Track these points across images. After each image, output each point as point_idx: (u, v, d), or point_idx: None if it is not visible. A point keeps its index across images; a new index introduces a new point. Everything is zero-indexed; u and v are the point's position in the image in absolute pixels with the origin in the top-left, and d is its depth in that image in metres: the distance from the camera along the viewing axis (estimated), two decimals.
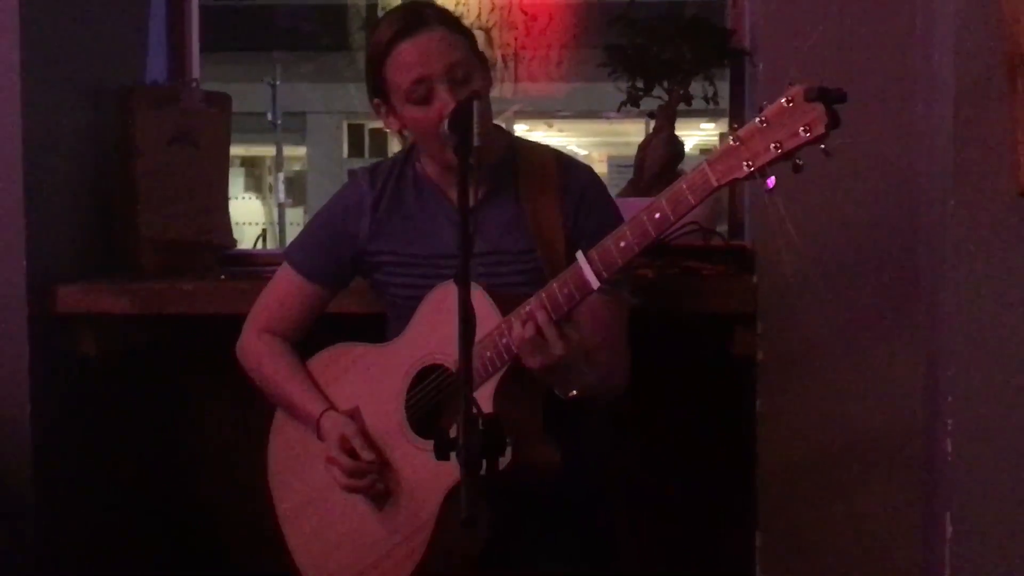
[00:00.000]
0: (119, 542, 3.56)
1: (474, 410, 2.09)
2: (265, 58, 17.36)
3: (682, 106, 3.57)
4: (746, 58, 3.59)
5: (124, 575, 3.53)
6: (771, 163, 2.18)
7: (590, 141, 23.49)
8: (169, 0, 4.01)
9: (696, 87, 3.58)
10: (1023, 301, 2.46)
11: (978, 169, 2.44)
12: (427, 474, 2.55)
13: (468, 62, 2.61)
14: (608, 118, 19.75)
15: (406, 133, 2.74)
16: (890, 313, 2.92)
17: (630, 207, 3.20)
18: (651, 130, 3.61)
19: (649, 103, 3.60)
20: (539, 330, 2.38)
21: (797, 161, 2.17)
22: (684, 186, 2.26)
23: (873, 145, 2.87)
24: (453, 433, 2.11)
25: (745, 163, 2.19)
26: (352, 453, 2.64)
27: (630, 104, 3.57)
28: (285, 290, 2.84)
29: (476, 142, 2.39)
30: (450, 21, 2.64)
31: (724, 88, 3.75)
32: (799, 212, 2.88)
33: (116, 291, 3.30)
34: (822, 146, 2.15)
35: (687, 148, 3.65)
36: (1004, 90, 2.40)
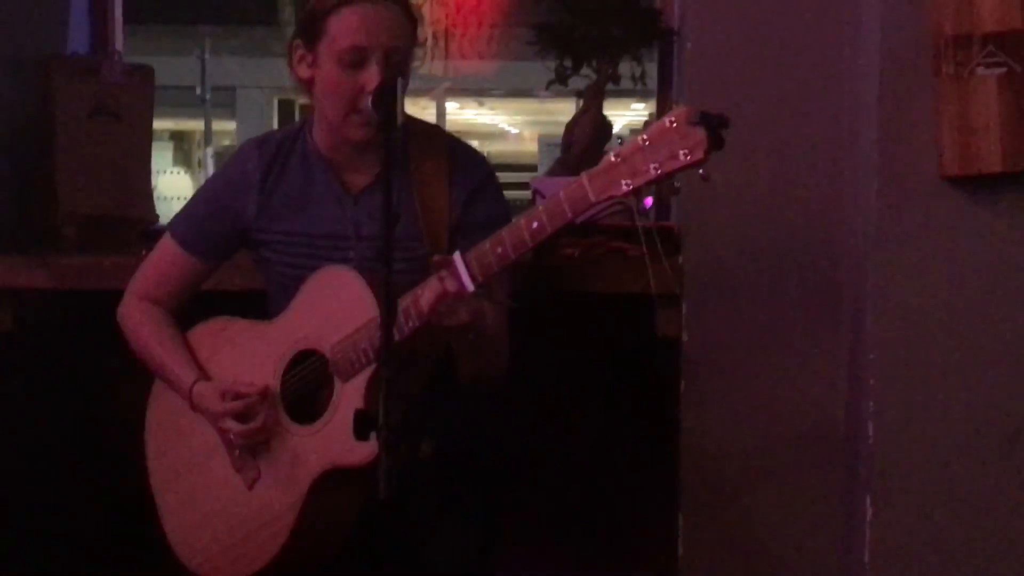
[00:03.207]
0: (36, 518, 3.50)
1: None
2: (195, 32, 17.18)
3: (611, 86, 3.57)
4: (674, 38, 3.59)
5: (41, 551, 3.48)
6: (649, 183, 2.18)
7: (521, 120, 23.51)
8: None
9: (624, 67, 3.58)
10: (946, 284, 2.48)
11: (902, 152, 2.45)
12: (299, 457, 2.56)
13: (407, 51, 2.59)
14: (539, 96, 19.80)
15: (308, 87, 2.65)
16: (815, 299, 2.92)
17: (556, 185, 3.21)
18: (579, 109, 3.59)
19: (578, 82, 3.59)
20: (437, 299, 2.36)
21: (675, 184, 2.17)
22: (562, 198, 2.25)
23: (799, 127, 2.87)
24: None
25: (624, 181, 2.18)
26: (236, 396, 2.61)
27: (558, 83, 3.57)
28: (165, 260, 2.81)
29: (399, 119, 2.37)
30: (406, 4, 2.61)
31: (652, 68, 3.75)
32: (726, 197, 2.87)
33: (34, 265, 3.24)
34: (700, 171, 2.15)
35: (616, 128, 3.64)
36: (928, 72, 2.40)
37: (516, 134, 24.22)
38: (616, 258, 3.14)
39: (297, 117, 19.77)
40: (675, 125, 2.14)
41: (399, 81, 2.39)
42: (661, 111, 3.79)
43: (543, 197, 3.11)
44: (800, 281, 2.93)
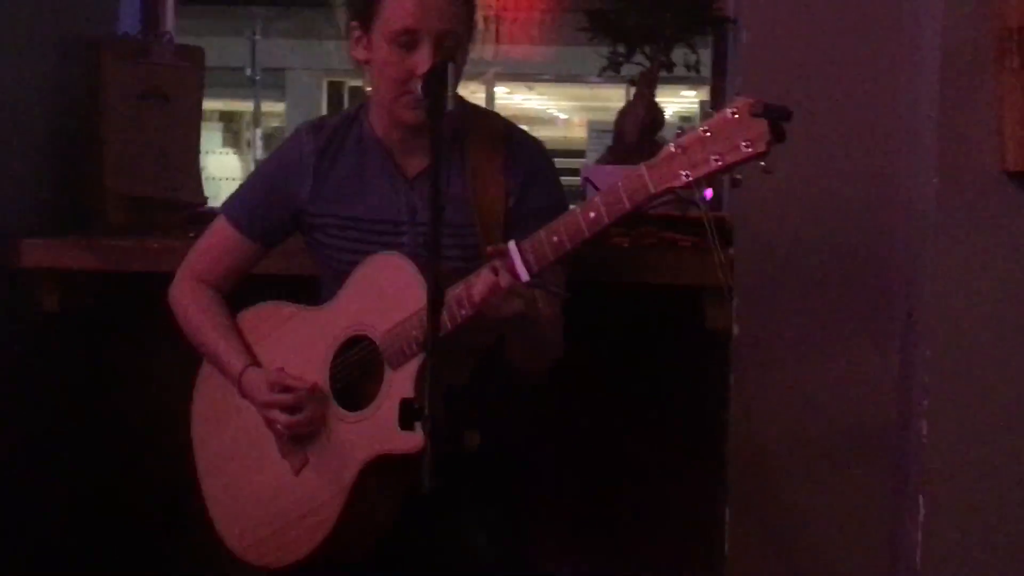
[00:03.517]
0: (77, 497, 3.51)
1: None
2: (244, 12, 17.20)
3: (663, 73, 3.51)
4: (729, 26, 3.54)
5: (81, 532, 3.48)
6: (710, 175, 2.14)
7: (571, 105, 23.42)
8: None
9: (677, 55, 3.53)
10: (1004, 281, 2.42)
11: (963, 145, 2.39)
12: (348, 444, 2.55)
13: (461, 36, 2.55)
14: (589, 83, 19.73)
15: (365, 69, 2.64)
16: (867, 294, 2.87)
17: (608, 174, 3.18)
18: (631, 97, 3.53)
19: (630, 69, 3.54)
20: (491, 288, 2.33)
21: (736, 176, 2.13)
22: (621, 188, 2.22)
23: (856, 120, 2.82)
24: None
25: (684, 172, 2.15)
26: (286, 389, 2.60)
27: (611, 70, 3.52)
28: (219, 242, 2.80)
29: (449, 106, 2.34)
30: None
31: (706, 56, 3.70)
32: (779, 190, 2.82)
33: (81, 247, 3.25)
34: (762, 163, 2.12)
35: (667, 115, 3.59)
36: (991, 65, 2.35)
37: (565, 120, 24.13)
38: (666, 248, 3.11)
39: (346, 100, 19.86)
40: (737, 116, 2.10)
41: (450, 66, 2.37)
42: (715, 99, 3.75)
43: (594, 186, 3.07)
44: (852, 275, 2.88)
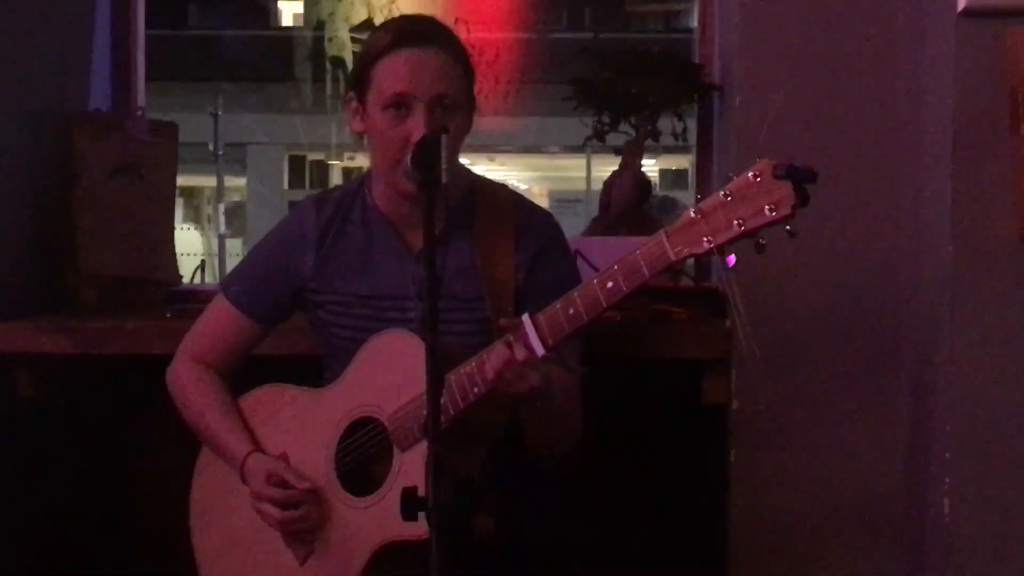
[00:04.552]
0: None
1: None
2: (206, 88, 17.17)
3: (649, 142, 3.46)
4: (715, 93, 3.48)
5: None
6: (732, 240, 2.08)
7: (531, 176, 23.49)
8: (114, 27, 3.83)
9: (663, 123, 3.47)
10: None
11: (978, 213, 2.34)
12: (353, 531, 2.46)
13: (457, 97, 2.47)
14: (549, 153, 19.78)
15: (365, 139, 2.56)
16: (872, 366, 2.81)
17: (595, 247, 3.10)
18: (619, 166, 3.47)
19: (612, 138, 3.49)
20: (505, 364, 2.25)
21: (760, 240, 2.06)
22: (639, 257, 2.15)
23: (857, 186, 2.77)
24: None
25: (705, 238, 2.08)
26: (283, 484, 2.51)
27: (596, 139, 3.46)
28: (220, 322, 2.71)
29: (444, 179, 2.25)
30: (454, 47, 2.49)
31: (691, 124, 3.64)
32: (778, 258, 2.75)
33: (55, 330, 3.13)
34: (787, 227, 2.05)
35: None
36: (1005, 131, 2.29)
37: (526, 190, 24.23)
38: (660, 321, 3.03)
39: (307, 173, 19.83)
40: (760, 179, 2.03)
41: (443, 137, 2.28)
42: (701, 167, 3.67)
43: (585, 259, 2.98)
44: (855, 346, 2.82)
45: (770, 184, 2.03)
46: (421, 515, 1.98)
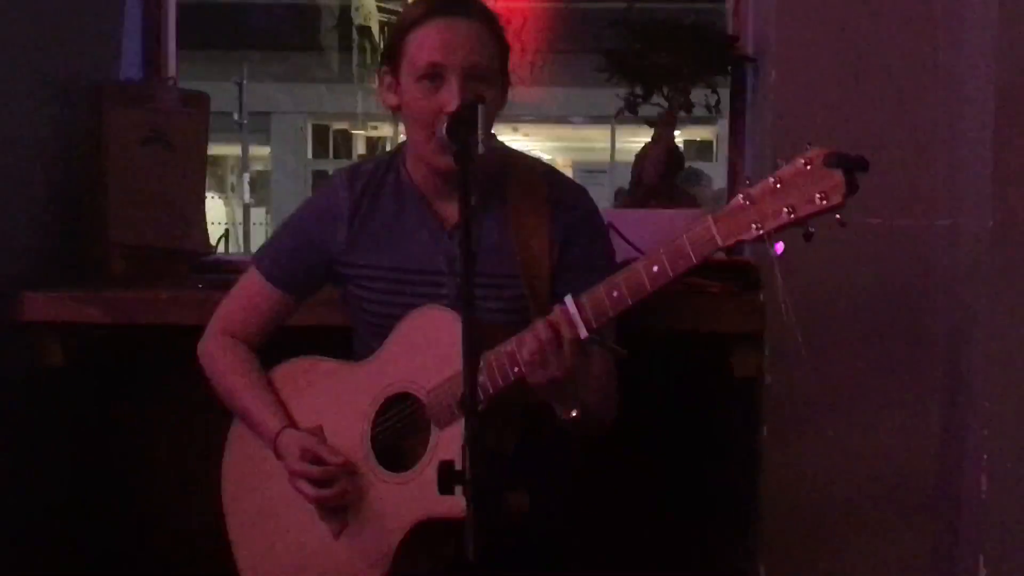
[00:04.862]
0: (86, 560, 3.38)
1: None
2: (230, 57, 17.15)
3: (681, 113, 3.42)
4: (748, 66, 3.45)
5: None
6: (781, 228, 2.06)
7: (555, 146, 23.44)
8: None
9: (696, 95, 3.44)
10: None
11: (1020, 189, 2.29)
12: (390, 507, 2.45)
13: (490, 67, 2.45)
14: (573, 123, 19.70)
15: (398, 112, 2.53)
16: (907, 343, 2.78)
17: (629, 218, 3.08)
18: (651, 138, 3.44)
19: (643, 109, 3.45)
20: (543, 346, 2.23)
21: (810, 229, 2.04)
22: (686, 241, 2.13)
23: (894, 160, 2.73)
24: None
25: (754, 224, 2.07)
26: (317, 460, 2.49)
27: (628, 111, 3.42)
28: (252, 296, 2.70)
29: (480, 149, 2.23)
30: (487, 16, 2.47)
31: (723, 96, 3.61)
32: (812, 244, 2.72)
33: (86, 299, 3.13)
34: (837, 216, 2.03)
35: None
36: None
37: (550, 160, 24.16)
38: (693, 295, 3.01)
39: (331, 142, 19.81)
40: (810, 167, 2.01)
41: (480, 107, 2.25)
42: (734, 139, 3.64)
43: (618, 232, 2.96)
44: (889, 322, 2.79)
45: (821, 172, 2.01)
46: (458, 490, 1.97)
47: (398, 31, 2.48)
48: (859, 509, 2.81)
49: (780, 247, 2.04)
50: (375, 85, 2.58)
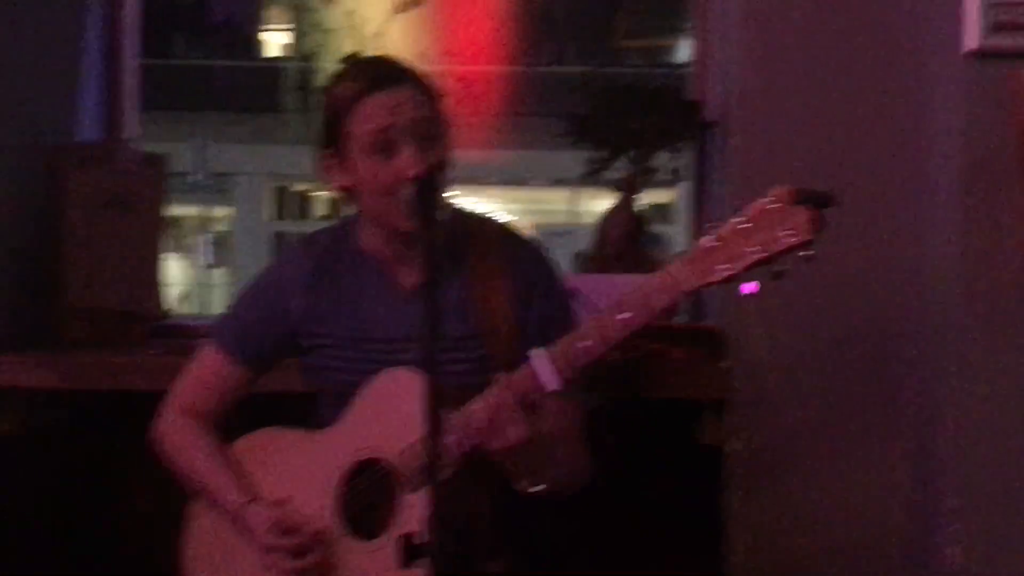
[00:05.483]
0: None
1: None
2: (192, 118, 17.14)
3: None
4: (712, 130, 3.45)
5: None
6: (750, 268, 2.03)
7: (516, 209, 23.49)
8: (104, 55, 3.78)
9: (658, 158, 3.44)
10: None
11: (988, 255, 2.30)
12: (363, 575, 2.38)
13: (436, 122, 2.43)
14: (531, 186, 19.76)
15: (349, 194, 2.49)
16: (874, 406, 2.77)
17: (592, 283, 3.06)
18: (614, 203, 3.44)
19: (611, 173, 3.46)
20: (504, 409, 2.20)
21: (776, 269, 2.01)
22: (655, 286, 2.11)
23: (859, 225, 2.72)
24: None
25: (722, 267, 2.04)
26: (290, 531, 2.44)
27: (591, 175, 3.42)
28: (209, 372, 2.63)
29: (441, 216, 2.21)
30: (421, 80, 2.46)
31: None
32: (776, 296, 2.71)
33: (41, 364, 3.07)
34: (803, 253, 2.01)
35: None
36: (1015, 173, 2.25)
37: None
38: (658, 361, 2.98)
39: (292, 203, 19.77)
40: (776, 206, 1.99)
41: (444, 170, 2.24)
42: (697, 203, 3.64)
43: (583, 296, 2.94)
44: (858, 391, 2.78)
45: (788, 210, 1.99)
46: (416, 566, 1.92)
47: (337, 112, 2.43)
48: (828, 573, 2.77)
49: (754, 287, 2.02)
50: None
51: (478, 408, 2.23)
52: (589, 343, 2.16)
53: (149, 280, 3.54)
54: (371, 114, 2.39)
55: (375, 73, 2.43)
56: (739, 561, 2.83)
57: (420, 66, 2.49)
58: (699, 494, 3.08)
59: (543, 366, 2.18)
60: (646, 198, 3.45)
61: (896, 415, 2.74)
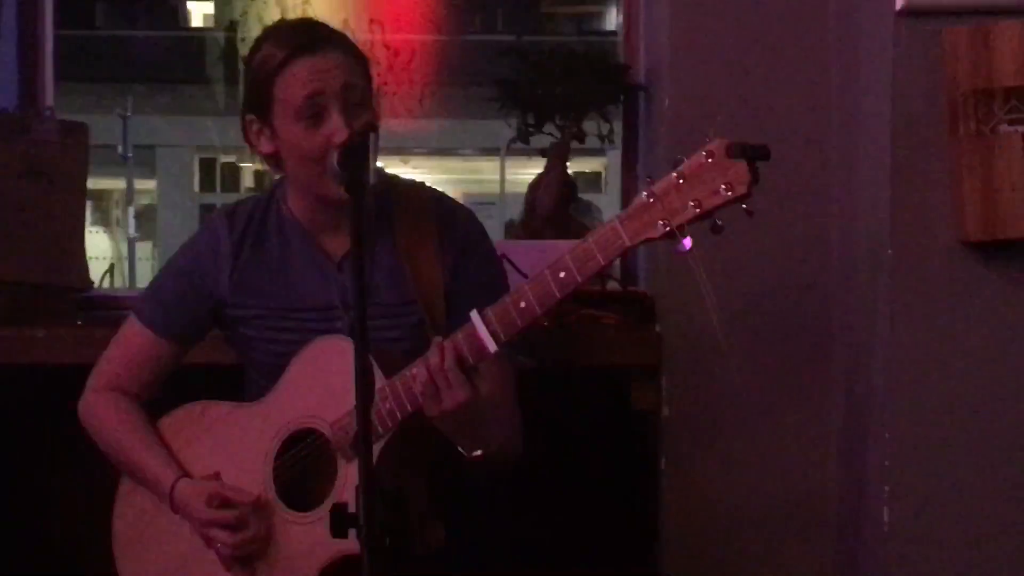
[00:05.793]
0: None
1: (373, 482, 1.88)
2: (114, 89, 16.91)
3: (574, 143, 3.39)
4: (640, 94, 3.43)
5: None
6: (689, 222, 2.01)
7: (445, 178, 23.43)
8: (21, 25, 3.70)
9: (587, 124, 3.41)
10: (966, 355, 2.31)
11: (918, 217, 2.29)
12: (299, 548, 2.36)
13: (363, 86, 2.39)
14: (462, 155, 19.71)
15: (276, 160, 2.46)
16: (804, 368, 2.78)
17: (522, 249, 3.03)
18: (543, 168, 3.40)
19: (540, 140, 3.42)
20: (443, 372, 2.17)
21: (717, 221, 2.00)
22: (592, 244, 2.08)
23: (787, 192, 2.72)
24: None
25: (660, 222, 2.02)
26: (226, 503, 2.40)
27: (520, 141, 3.38)
28: (134, 346, 2.58)
29: (371, 179, 2.16)
30: (348, 44, 2.42)
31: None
32: (706, 261, 2.69)
33: None
34: (744, 205, 1.99)
35: None
36: (945, 132, 2.24)
37: None
38: (591, 327, 2.96)
39: (219, 175, 19.60)
40: (712, 160, 1.98)
41: (371, 136, 2.20)
42: (627, 168, 3.62)
43: (511, 263, 2.91)
44: (788, 354, 2.79)
45: (724, 164, 1.98)
46: (348, 535, 1.90)
47: (262, 77, 2.38)
48: (760, 536, 2.81)
49: (688, 243, 2.00)
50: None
51: (416, 372, 2.20)
52: (527, 304, 2.13)
53: (72, 252, 3.46)
54: (298, 80, 2.35)
55: (302, 37, 2.39)
56: (673, 523, 2.83)
57: (345, 33, 2.45)
58: (633, 460, 3.08)
59: (483, 328, 2.15)
60: (575, 166, 3.42)
61: (827, 376, 2.75)
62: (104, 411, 2.57)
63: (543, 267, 2.13)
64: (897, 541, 2.34)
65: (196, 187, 19.67)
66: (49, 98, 3.75)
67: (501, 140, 3.46)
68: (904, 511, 2.33)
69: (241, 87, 2.54)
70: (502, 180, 18.95)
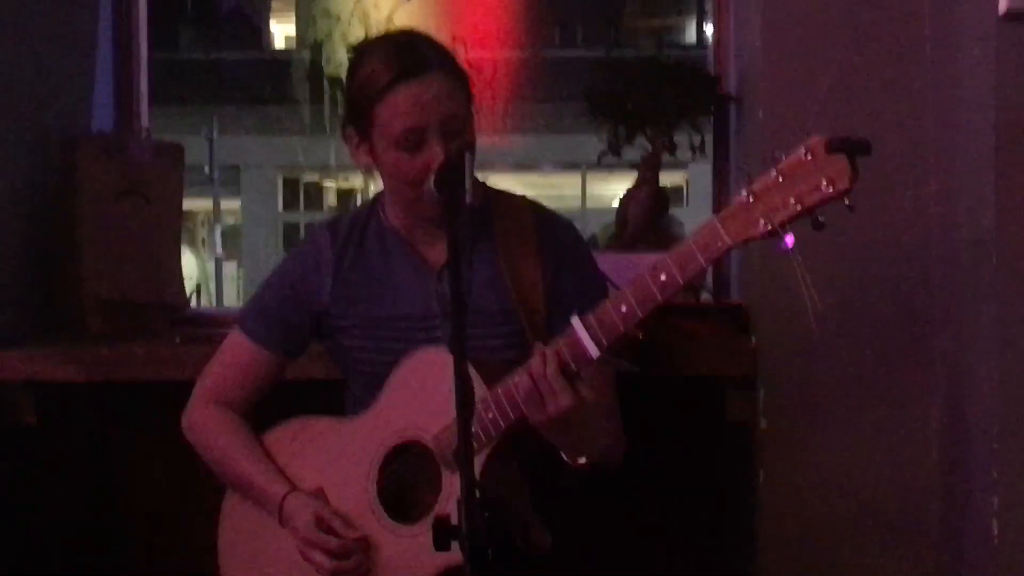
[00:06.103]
0: None
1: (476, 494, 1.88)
2: (200, 111, 17.09)
3: (666, 156, 3.38)
4: (731, 105, 3.41)
5: None
6: (791, 220, 1.99)
7: (527, 193, 23.43)
8: (116, 48, 3.76)
9: (677, 136, 3.39)
10: None
11: (1021, 214, 2.24)
12: (405, 561, 2.36)
13: (464, 113, 2.39)
14: (542, 170, 19.71)
15: (373, 170, 2.47)
16: (904, 371, 2.73)
17: (614, 263, 3.02)
18: (634, 181, 3.39)
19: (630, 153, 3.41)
20: (546, 379, 2.16)
21: (819, 218, 1.98)
22: (693, 245, 2.06)
23: (890, 192, 2.70)
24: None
25: (762, 220, 2.00)
26: (332, 532, 2.41)
27: (612, 154, 3.38)
28: (237, 359, 2.60)
29: (468, 199, 2.17)
30: (449, 64, 2.41)
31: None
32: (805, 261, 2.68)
33: (60, 357, 3.05)
34: (846, 201, 1.96)
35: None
36: None
37: None
38: (685, 339, 2.95)
39: (303, 195, 19.74)
40: (811, 155, 1.96)
41: (466, 156, 2.21)
42: (718, 180, 3.60)
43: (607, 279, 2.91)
44: (886, 358, 2.76)
45: (823, 160, 1.95)
46: (451, 548, 1.90)
47: (365, 97, 2.39)
48: (858, 548, 2.77)
49: (791, 240, 1.98)
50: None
51: (519, 381, 2.20)
52: (628, 308, 2.12)
53: (168, 270, 3.51)
54: (400, 109, 2.35)
55: (406, 59, 2.37)
56: (770, 538, 2.80)
57: (447, 45, 2.45)
58: (728, 471, 3.06)
59: (584, 333, 2.15)
60: (664, 179, 3.40)
61: (928, 384, 2.71)
62: (211, 425, 2.59)
63: (642, 271, 2.12)
64: (1005, 555, 2.29)
65: (280, 206, 19.82)
66: (145, 120, 3.80)
67: (583, 155, 3.45)
68: (1016, 524, 2.28)
69: (325, 107, 2.54)
70: (583, 194, 18.93)
